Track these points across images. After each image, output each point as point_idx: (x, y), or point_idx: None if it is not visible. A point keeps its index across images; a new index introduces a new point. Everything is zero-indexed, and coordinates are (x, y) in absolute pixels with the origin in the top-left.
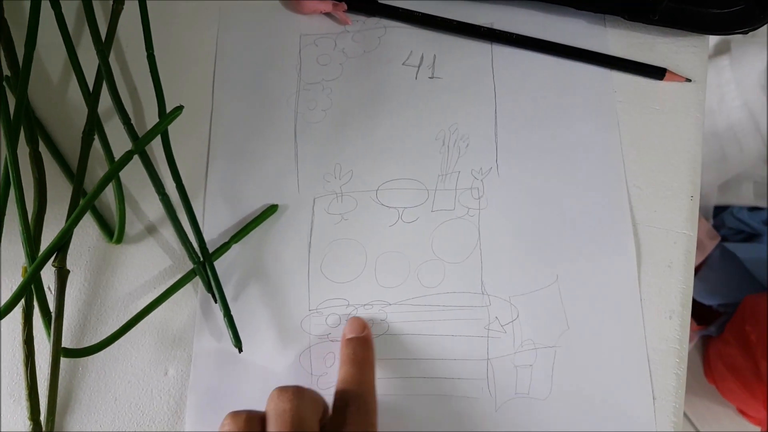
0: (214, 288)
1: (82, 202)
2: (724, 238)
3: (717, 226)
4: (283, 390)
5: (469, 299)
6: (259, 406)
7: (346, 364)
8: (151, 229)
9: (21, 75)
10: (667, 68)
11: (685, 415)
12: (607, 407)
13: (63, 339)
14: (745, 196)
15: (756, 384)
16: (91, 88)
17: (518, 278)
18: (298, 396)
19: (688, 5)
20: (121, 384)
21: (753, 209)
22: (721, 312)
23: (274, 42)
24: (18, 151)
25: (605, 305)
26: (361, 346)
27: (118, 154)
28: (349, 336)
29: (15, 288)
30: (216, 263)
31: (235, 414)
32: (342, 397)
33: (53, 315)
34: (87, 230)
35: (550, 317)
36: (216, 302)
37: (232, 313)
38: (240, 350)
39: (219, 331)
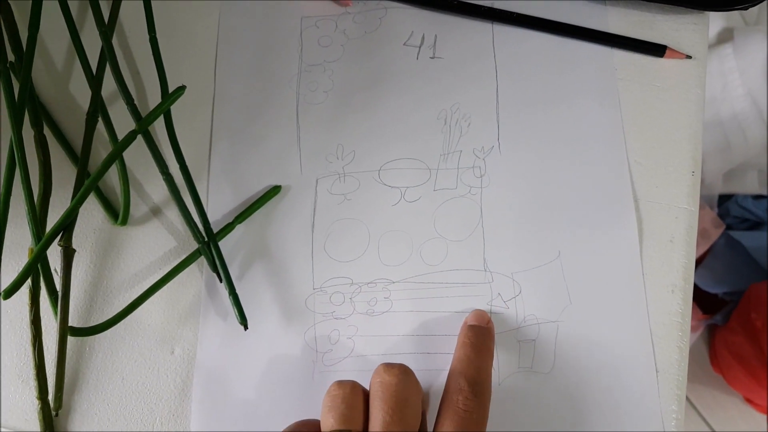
0: (219, 267)
1: (87, 182)
2: (728, 227)
3: (722, 215)
4: (389, 366)
5: (472, 276)
6: (265, 383)
7: (467, 347)
8: (155, 211)
9: (24, 58)
10: (668, 45)
11: (691, 404)
12: (611, 380)
13: (70, 320)
14: (749, 185)
15: (762, 372)
16: (94, 71)
17: (520, 255)
18: (405, 373)
19: None
20: (128, 363)
21: (757, 197)
22: (726, 301)
23: (276, 24)
24: (23, 134)
25: (607, 280)
26: (483, 334)
27: (121, 134)
28: (472, 323)
29: (21, 269)
30: (220, 244)
31: (341, 382)
32: (458, 379)
33: (60, 294)
34: (92, 212)
35: (553, 292)
36: (221, 281)
37: (237, 292)
38: (246, 327)
39: (224, 310)
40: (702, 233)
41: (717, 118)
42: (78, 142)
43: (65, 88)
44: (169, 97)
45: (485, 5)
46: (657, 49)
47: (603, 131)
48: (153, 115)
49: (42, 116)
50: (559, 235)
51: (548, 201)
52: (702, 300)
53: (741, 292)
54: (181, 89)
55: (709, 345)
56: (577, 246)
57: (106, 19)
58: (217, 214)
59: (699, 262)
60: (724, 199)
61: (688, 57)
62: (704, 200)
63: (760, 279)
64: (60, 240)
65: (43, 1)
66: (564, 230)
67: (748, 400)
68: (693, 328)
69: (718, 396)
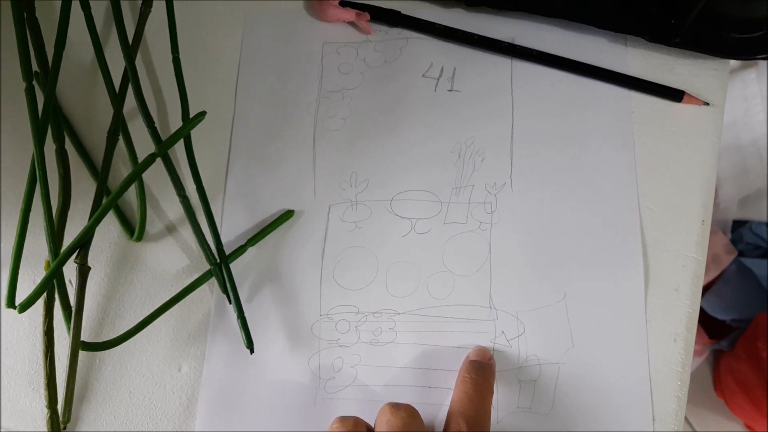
0: (229, 290)
1: (105, 202)
2: (741, 253)
3: (734, 241)
4: (396, 407)
5: (477, 312)
6: (268, 406)
7: (467, 383)
8: (170, 228)
9: (50, 74)
10: (686, 91)
11: (691, 426)
12: (607, 426)
13: (82, 332)
14: (764, 212)
15: (765, 401)
16: (117, 89)
17: (526, 294)
18: (411, 415)
19: (710, 29)
20: (136, 378)
21: None
22: (734, 327)
23: (297, 48)
24: (44, 148)
25: (611, 325)
26: (484, 370)
27: (141, 152)
28: (474, 358)
29: (37, 279)
30: (232, 265)
31: (344, 419)
32: (457, 419)
33: (73, 309)
34: (109, 227)
35: (556, 334)
36: (230, 303)
37: (246, 314)
38: (252, 351)
39: (232, 332)
40: (713, 259)
41: (736, 143)
42: (98, 153)
43: (88, 100)
44: (190, 122)
45: (505, 41)
46: (675, 94)
47: (616, 174)
48: (172, 140)
49: (64, 129)
50: (565, 277)
51: (557, 241)
52: (709, 325)
53: (748, 320)
54: (201, 115)
55: (713, 370)
56: (583, 289)
57: (130, 39)
58: (230, 235)
59: (708, 287)
60: (738, 225)
61: (706, 104)
62: (718, 225)
63: None
64: (76, 257)
65: (70, 17)
66: (571, 272)
67: (749, 427)
68: (698, 352)
69: (719, 420)
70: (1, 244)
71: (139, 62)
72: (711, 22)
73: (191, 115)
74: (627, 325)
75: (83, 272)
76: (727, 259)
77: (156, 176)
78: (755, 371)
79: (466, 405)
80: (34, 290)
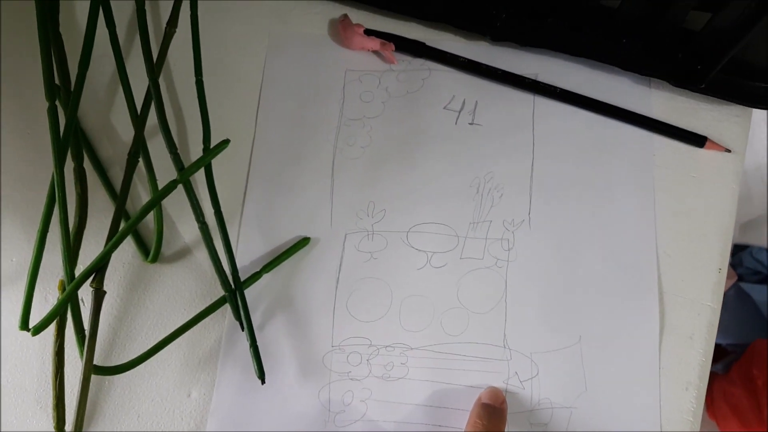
0: (243, 317)
1: (123, 228)
2: (740, 278)
3: (734, 265)
4: None
5: (491, 351)
6: None
7: (478, 427)
8: (185, 251)
9: (72, 95)
10: (709, 137)
11: None
12: None
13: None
14: (765, 238)
15: (758, 428)
16: (138, 110)
17: (541, 335)
18: None
19: (737, 77)
20: (145, 401)
21: None
22: (729, 351)
23: (320, 75)
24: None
25: (624, 371)
26: (496, 415)
27: (161, 171)
28: (486, 401)
29: (49, 296)
30: (245, 291)
31: None
32: None
33: (87, 334)
34: (123, 247)
35: (570, 378)
36: (243, 330)
37: (258, 340)
38: (263, 382)
39: (243, 359)
40: None
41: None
42: (115, 170)
43: (108, 116)
44: (212, 150)
45: (529, 77)
46: (698, 140)
47: (635, 218)
48: (194, 168)
49: (83, 146)
50: (581, 320)
51: (574, 283)
52: None
53: (745, 345)
54: (224, 143)
55: (707, 391)
56: (599, 333)
57: (154, 56)
58: (245, 260)
59: None
60: (738, 249)
61: (728, 150)
62: None
63: (766, 335)
64: (92, 282)
65: (95, 32)
66: (587, 315)
67: None
68: None
69: None
70: (12, 258)
71: (161, 81)
72: (737, 71)
73: (212, 141)
74: (640, 371)
75: (98, 297)
76: (726, 283)
77: (173, 198)
78: (749, 397)
79: None
80: (48, 314)
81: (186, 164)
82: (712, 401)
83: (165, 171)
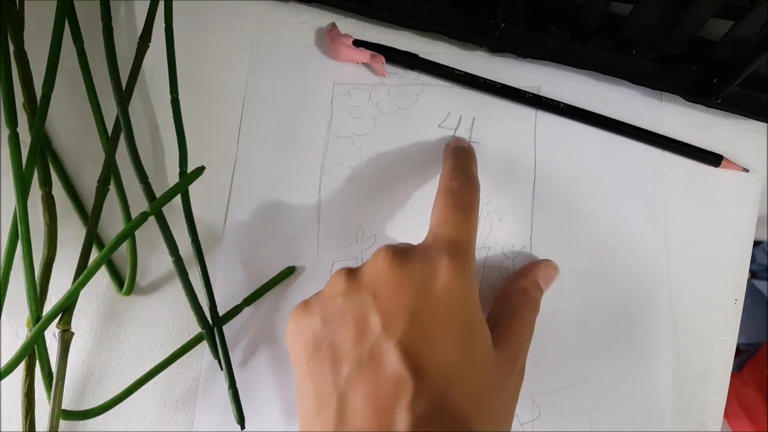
0: (221, 358)
1: (91, 264)
2: (752, 274)
3: None
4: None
5: None
6: None
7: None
8: (162, 281)
9: (37, 119)
10: (724, 155)
11: None
12: None
13: (64, 391)
14: None
15: None
16: (110, 132)
17: (544, 373)
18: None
19: (754, 90)
20: None
21: None
22: (741, 350)
23: (306, 88)
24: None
25: (632, 413)
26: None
27: (138, 197)
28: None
29: (20, 330)
30: (226, 326)
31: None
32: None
33: (54, 379)
34: (97, 277)
35: (573, 419)
36: (222, 369)
37: (239, 380)
38: (243, 427)
39: (224, 399)
40: None
41: None
42: (89, 195)
43: (80, 136)
44: (186, 178)
45: (530, 91)
46: (713, 159)
47: (645, 245)
48: (166, 198)
49: (53, 169)
50: (586, 357)
51: (578, 317)
52: None
53: (757, 344)
54: (198, 171)
55: None
56: (605, 371)
57: (124, 81)
58: (225, 291)
59: None
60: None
61: (745, 170)
62: None
63: None
64: (59, 322)
65: (62, 48)
66: (593, 352)
67: None
68: None
69: None
70: None
71: (135, 100)
72: (755, 84)
73: (189, 163)
74: (650, 414)
75: (65, 339)
76: None
77: (149, 225)
78: (762, 398)
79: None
80: (13, 357)
81: (162, 190)
82: None
83: (143, 196)
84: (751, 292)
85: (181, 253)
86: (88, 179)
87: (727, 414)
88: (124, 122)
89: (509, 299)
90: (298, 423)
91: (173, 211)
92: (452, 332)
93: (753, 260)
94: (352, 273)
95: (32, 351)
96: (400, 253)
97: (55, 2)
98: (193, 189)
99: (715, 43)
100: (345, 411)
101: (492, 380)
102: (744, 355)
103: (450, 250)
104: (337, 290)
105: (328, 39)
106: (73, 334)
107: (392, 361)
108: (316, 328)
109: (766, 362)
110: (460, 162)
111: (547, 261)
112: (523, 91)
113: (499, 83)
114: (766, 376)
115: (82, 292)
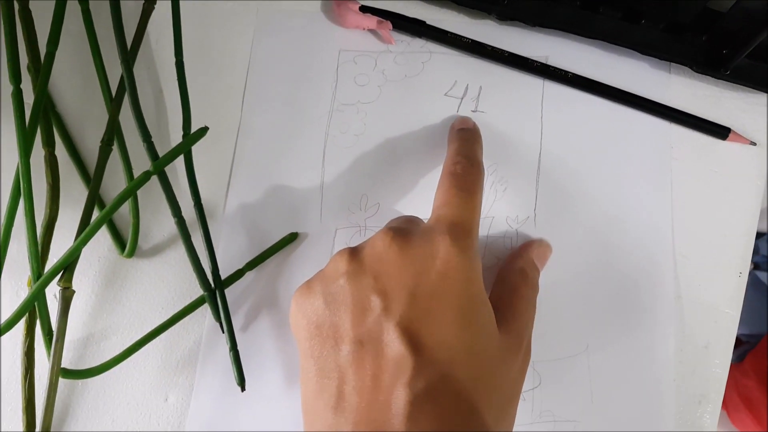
0: (223, 320)
1: (93, 222)
2: (756, 266)
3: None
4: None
5: None
6: None
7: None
8: (165, 245)
9: (41, 76)
10: (732, 128)
11: None
12: None
13: (65, 352)
14: None
15: None
16: (113, 93)
17: (545, 342)
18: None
19: (763, 62)
20: (119, 405)
21: None
22: (742, 341)
23: (312, 55)
24: (34, 152)
25: (634, 382)
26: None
27: (142, 158)
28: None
29: (20, 291)
30: (228, 290)
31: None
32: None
33: (54, 337)
34: (98, 239)
35: (575, 389)
36: (223, 332)
37: (240, 344)
38: (243, 389)
39: (223, 363)
40: None
41: None
42: (93, 158)
43: (85, 98)
44: (189, 139)
45: (538, 60)
46: (720, 131)
47: (650, 216)
48: (168, 158)
49: (56, 131)
50: (589, 327)
51: (582, 286)
52: None
53: (759, 335)
54: (202, 131)
55: None
56: (608, 341)
57: (129, 40)
58: (227, 256)
59: None
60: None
61: (753, 143)
62: None
63: None
64: (60, 280)
65: (67, 9)
66: (596, 322)
67: None
68: None
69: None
70: None
71: (139, 62)
72: (763, 56)
73: (193, 127)
74: (652, 383)
75: (66, 296)
76: None
77: (152, 188)
78: (762, 390)
79: (449, 204)
80: (13, 313)
81: (164, 152)
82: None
83: (145, 159)
84: (754, 284)
85: (184, 215)
86: (91, 141)
87: (726, 405)
88: (128, 81)
89: (508, 280)
90: (300, 399)
91: (176, 176)
92: (453, 312)
93: (757, 252)
94: (354, 254)
95: (33, 309)
96: (402, 234)
97: None
98: (197, 154)
99: (725, 14)
100: (344, 389)
101: (497, 360)
102: (745, 346)
103: (452, 230)
104: (339, 271)
105: (334, 5)
106: (74, 292)
107: (392, 339)
108: (318, 308)
109: (766, 353)
110: (464, 146)
111: (540, 240)
112: (531, 60)
113: (507, 52)
114: (767, 366)
115: (84, 254)
